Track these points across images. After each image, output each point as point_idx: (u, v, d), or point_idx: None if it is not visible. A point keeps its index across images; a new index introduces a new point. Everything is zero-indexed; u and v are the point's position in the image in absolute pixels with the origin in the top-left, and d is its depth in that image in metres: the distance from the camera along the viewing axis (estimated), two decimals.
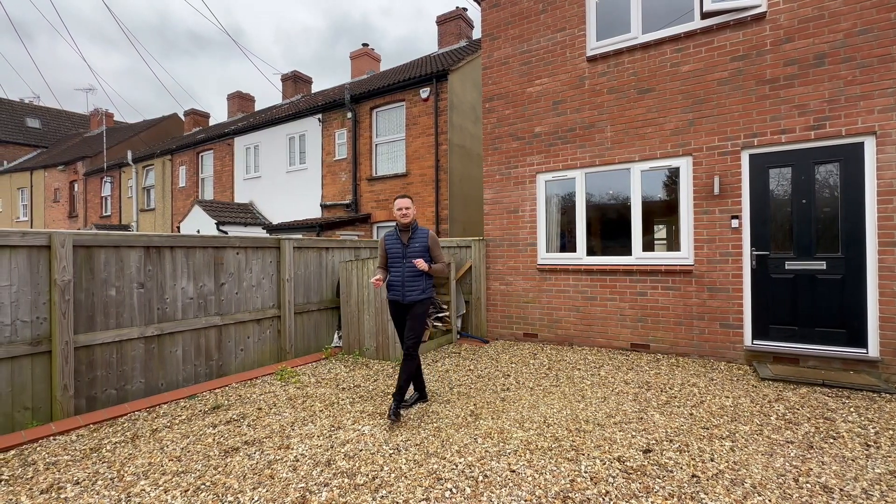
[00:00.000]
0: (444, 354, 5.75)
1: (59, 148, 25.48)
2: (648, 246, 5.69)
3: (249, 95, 21.64)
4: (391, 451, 2.96)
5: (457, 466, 2.75)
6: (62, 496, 2.48)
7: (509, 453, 2.92)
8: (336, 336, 6.10)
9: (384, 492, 2.48)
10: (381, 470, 2.72)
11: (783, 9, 4.83)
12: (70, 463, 2.87)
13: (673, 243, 5.59)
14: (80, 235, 3.70)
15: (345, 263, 5.80)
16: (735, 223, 5.03)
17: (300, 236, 9.13)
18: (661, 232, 5.87)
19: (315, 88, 19.44)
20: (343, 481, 2.60)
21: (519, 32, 6.52)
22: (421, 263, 3.54)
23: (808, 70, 4.70)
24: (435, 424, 3.42)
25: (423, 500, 2.40)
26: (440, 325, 6.33)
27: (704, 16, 5.18)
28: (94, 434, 3.32)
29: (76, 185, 20.67)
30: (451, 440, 3.13)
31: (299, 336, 5.63)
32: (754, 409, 3.66)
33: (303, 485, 2.56)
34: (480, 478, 2.61)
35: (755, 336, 4.98)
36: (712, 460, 2.79)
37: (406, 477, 2.64)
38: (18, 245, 3.36)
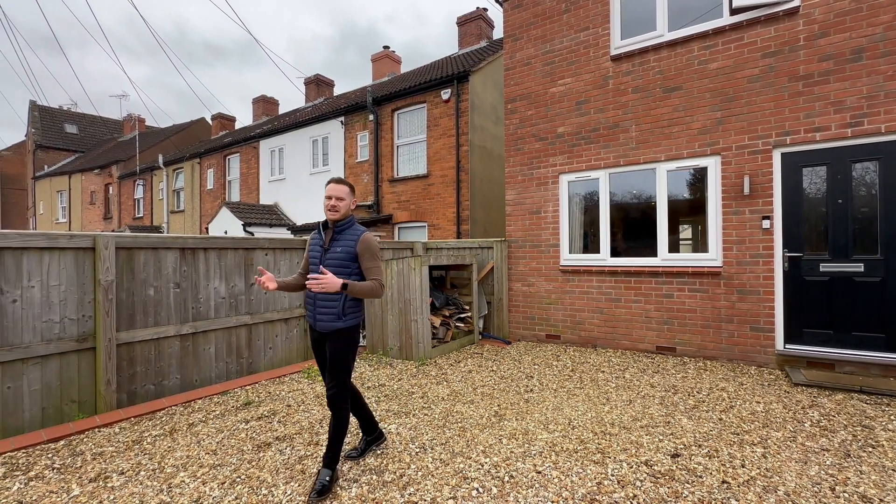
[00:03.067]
0: (466, 355, 5.78)
1: (95, 152, 26.62)
2: (674, 247, 5.59)
3: (273, 99, 22.15)
4: (417, 450, 3.02)
5: (482, 466, 2.78)
6: (108, 485, 2.62)
7: (535, 454, 2.93)
8: (360, 335, 6.20)
9: (412, 489, 2.53)
10: (408, 468, 2.78)
11: (818, 2, 4.68)
12: (114, 454, 3.02)
13: (700, 244, 5.48)
14: (122, 237, 3.89)
15: None
16: (766, 224, 4.90)
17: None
18: (686, 232, 5.76)
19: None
20: (371, 478, 2.66)
21: (541, 33, 6.49)
22: (327, 280, 2.39)
23: (845, 65, 4.54)
24: (459, 424, 3.46)
25: (451, 498, 2.44)
26: (462, 325, 6.37)
27: (734, 12, 5.06)
28: (135, 427, 3.48)
29: (111, 188, 21.56)
30: (476, 440, 3.16)
31: None
32: (787, 415, 3.56)
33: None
34: (506, 478, 2.64)
35: (787, 340, 4.84)
36: (743, 466, 2.74)
37: (433, 475, 2.68)
38: (66, 247, 3.55)
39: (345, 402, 2.59)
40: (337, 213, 2.62)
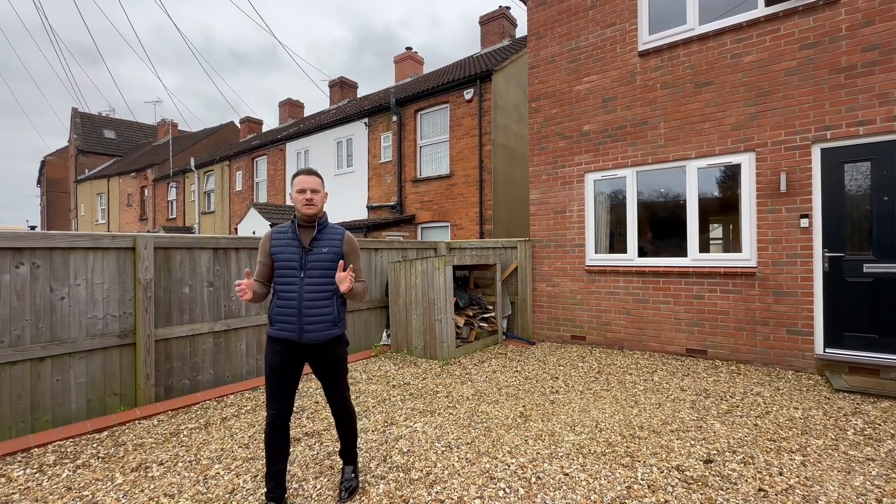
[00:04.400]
0: (490, 355, 5.77)
1: (131, 156, 27.81)
2: (704, 247, 5.43)
3: (299, 102, 22.63)
4: (443, 449, 3.03)
5: (509, 467, 2.78)
6: (149, 475, 2.74)
7: (561, 456, 2.91)
8: (385, 334, 6.28)
9: (439, 487, 2.55)
10: (435, 466, 2.79)
11: None
12: (154, 445, 3.16)
13: (732, 244, 5.31)
14: (160, 238, 4.05)
15: (393, 264, 5.96)
16: (804, 223, 4.70)
17: None
18: (717, 232, 5.58)
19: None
20: (399, 475, 2.69)
21: (566, 30, 6.41)
22: (343, 279, 2.22)
23: (891, 55, 4.31)
24: (485, 424, 3.45)
25: (477, 497, 2.44)
26: (486, 325, 6.36)
27: (769, 3, 4.88)
28: (172, 420, 3.63)
29: (146, 191, 22.48)
30: (501, 440, 3.15)
31: (351, 334, 5.84)
32: (828, 422, 3.41)
33: (361, 476, 2.68)
34: (533, 479, 2.62)
35: (828, 344, 4.63)
36: (781, 474, 2.65)
37: (459, 474, 2.69)
38: (109, 247, 3.73)
39: (351, 402, 2.56)
40: (314, 208, 2.33)
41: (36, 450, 3.08)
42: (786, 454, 2.90)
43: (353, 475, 2.55)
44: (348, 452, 2.60)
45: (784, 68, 4.84)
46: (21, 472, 2.77)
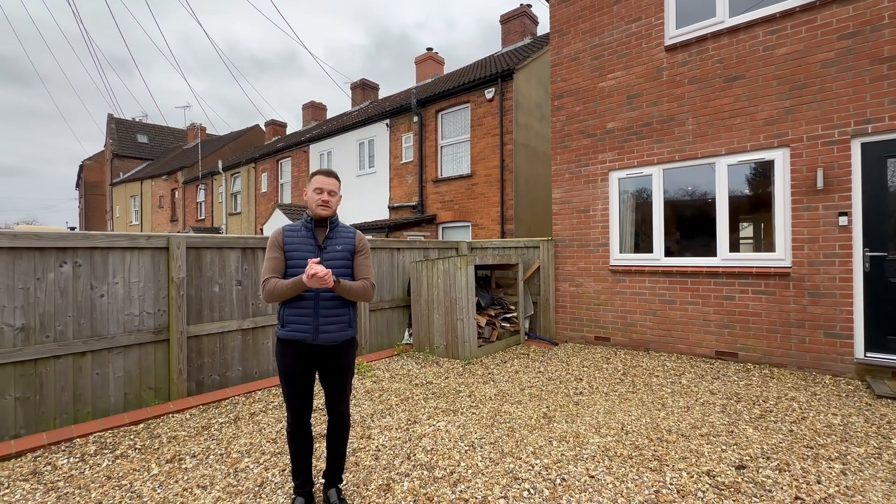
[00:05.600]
0: (512, 355, 5.74)
1: (163, 160, 28.85)
2: (735, 246, 5.26)
3: (322, 104, 23.01)
4: (467, 448, 3.03)
5: (533, 468, 2.76)
6: (183, 466, 2.84)
7: (587, 458, 2.87)
8: (407, 333, 6.32)
9: (462, 486, 2.55)
10: (458, 465, 2.80)
11: None
12: (187, 438, 3.27)
13: (764, 243, 5.12)
14: (191, 238, 4.19)
15: (415, 263, 5.99)
16: (843, 221, 4.50)
17: (371, 237, 9.56)
18: (747, 231, 5.40)
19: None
20: (423, 473, 2.71)
21: (590, 26, 6.32)
22: (327, 273, 2.08)
23: None
24: (508, 424, 3.44)
25: (502, 497, 2.44)
26: (508, 325, 6.33)
27: None
28: (203, 414, 3.75)
29: (176, 193, 23.27)
30: (525, 441, 3.13)
31: (373, 332, 5.91)
32: (869, 429, 3.26)
33: (386, 473, 2.71)
34: (558, 480, 2.60)
35: (869, 348, 4.41)
36: (819, 483, 2.54)
37: (483, 474, 2.69)
38: (144, 247, 3.88)
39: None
40: (328, 210, 2.32)
41: (78, 440, 3.23)
42: (824, 462, 2.78)
43: (339, 499, 2.36)
44: (336, 471, 2.43)
45: (821, 60, 4.64)
46: (65, 461, 2.91)
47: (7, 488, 2.59)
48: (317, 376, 2.38)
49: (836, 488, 2.48)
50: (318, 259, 2.16)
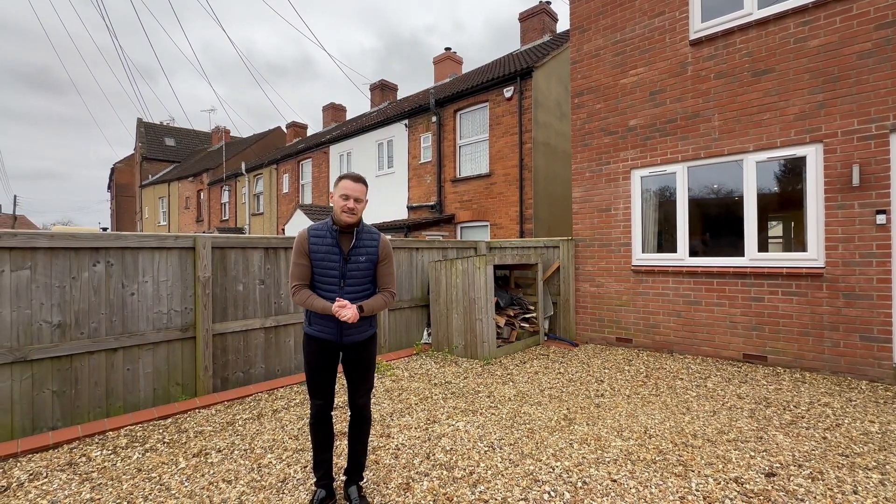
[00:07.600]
0: (531, 356, 5.69)
1: (188, 162, 29.70)
2: (763, 246, 5.09)
3: (341, 106, 23.26)
4: (486, 449, 3.02)
5: (553, 470, 2.72)
6: (209, 461, 2.92)
7: (608, 462, 2.82)
8: (426, 333, 6.34)
9: (482, 487, 2.54)
10: (478, 466, 2.79)
11: None
12: (212, 433, 3.35)
13: (795, 243, 4.94)
14: (217, 238, 4.30)
15: (434, 263, 6.00)
16: (881, 219, 4.30)
17: (390, 237, 9.63)
18: (776, 230, 5.21)
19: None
20: (442, 473, 2.71)
21: (611, 22, 6.21)
22: (355, 314, 2.19)
23: None
24: (528, 426, 3.41)
25: (522, 499, 2.42)
26: (527, 325, 6.28)
27: None
28: (228, 410, 3.84)
29: (202, 194, 23.92)
30: (545, 443, 3.10)
31: (392, 332, 5.95)
32: None
33: (406, 472, 2.72)
34: (580, 484, 2.56)
35: None
36: (855, 493, 2.43)
37: (502, 475, 2.67)
38: (172, 247, 4.00)
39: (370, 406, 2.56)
40: (354, 217, 2.28)
41: (111, 433, 3.35)
42: (860, 471, 2.66)
43: (359, 497, 2.37)
44: (357, 468, 2.46)
45: (857, 51, 4.44)
46: (98, 453, 3.03)
47: (46, 478, 2.71)
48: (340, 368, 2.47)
49: (875, 499, 2.37)
50: (346, 303, 2.20)
